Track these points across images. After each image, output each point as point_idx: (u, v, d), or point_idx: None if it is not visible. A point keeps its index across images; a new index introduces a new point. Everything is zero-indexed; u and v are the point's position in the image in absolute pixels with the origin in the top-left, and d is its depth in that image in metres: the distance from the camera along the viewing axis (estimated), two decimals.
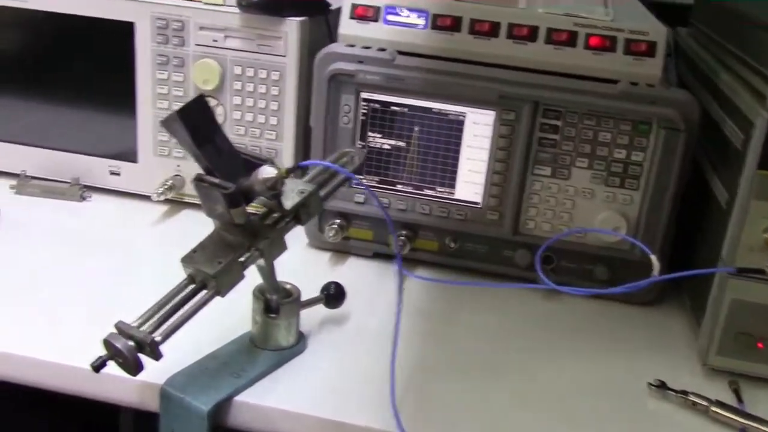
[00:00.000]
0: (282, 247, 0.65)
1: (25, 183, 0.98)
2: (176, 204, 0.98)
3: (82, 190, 0.98)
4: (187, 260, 0.61)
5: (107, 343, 0.57)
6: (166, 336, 0.58)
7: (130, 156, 0.97)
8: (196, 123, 0.58)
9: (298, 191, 0.66)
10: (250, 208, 0.63)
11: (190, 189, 0.96)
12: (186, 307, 0.60)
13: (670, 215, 0.83)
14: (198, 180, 0.60)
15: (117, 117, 0.96)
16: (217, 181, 0.59)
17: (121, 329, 0.58)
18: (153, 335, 0.58)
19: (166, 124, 0.59)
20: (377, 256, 0.92)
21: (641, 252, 0.85)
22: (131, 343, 0.57)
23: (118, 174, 0.99)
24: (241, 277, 0.62)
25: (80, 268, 0.84)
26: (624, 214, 0.85)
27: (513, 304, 0.85)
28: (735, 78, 0.84)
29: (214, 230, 0.63)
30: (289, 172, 0.59)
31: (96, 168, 0.98)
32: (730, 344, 0.74)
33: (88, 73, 0.95)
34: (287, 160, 0.94)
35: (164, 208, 0.98)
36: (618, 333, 0.83)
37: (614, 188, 0.84)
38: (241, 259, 0.62)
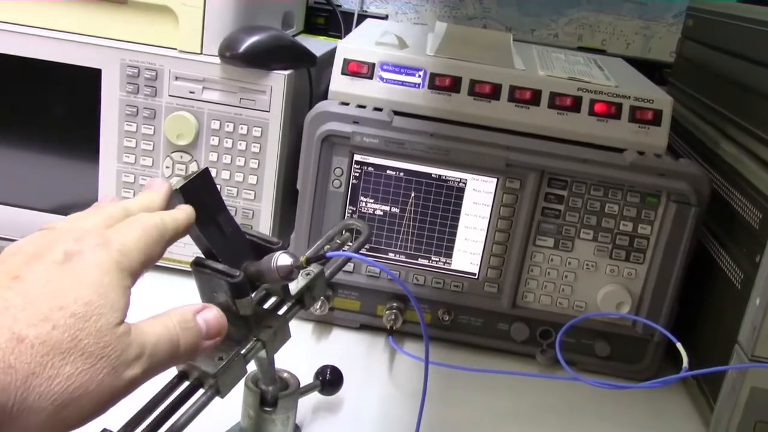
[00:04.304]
0: (286, 336, 0.58)
1: None
2: None
3: None
4: None
5: None
6: None
7: None
8: (199, 200, 0.51)
9: (304, 273, 0.59)
10: None
11: None
12: (181, 411, 0.52)
13: (676, 291, 0.79)
14: (197, 264, 0.52)
15: (76, 171, 0.86)
16: (221, 267, 0.51)
17: None
18: None
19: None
20: (363, 327, 0.85)
21: (643, 328, 0.81)
22: None
23: None
24: (243, 373, 0.54)
25: None
26: (628, 288, 0.80)
27: (509, 379, 0.80)
28: (741, 150, 0.81)
29: None
30: (310, 262, 0.52)
31: None
32: None
33: (45, 122, 0.85)
34: (265, 221, 0.86)
35: None
36: (618, 410, 0.78)
37: (619, 261, 0.80)
38: (242, 351, 0.55)
